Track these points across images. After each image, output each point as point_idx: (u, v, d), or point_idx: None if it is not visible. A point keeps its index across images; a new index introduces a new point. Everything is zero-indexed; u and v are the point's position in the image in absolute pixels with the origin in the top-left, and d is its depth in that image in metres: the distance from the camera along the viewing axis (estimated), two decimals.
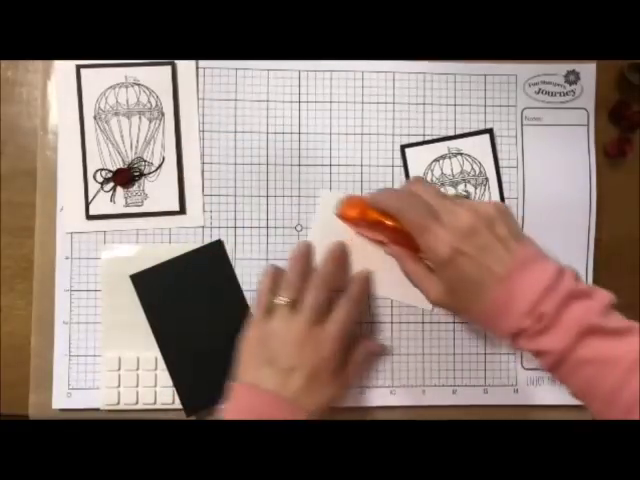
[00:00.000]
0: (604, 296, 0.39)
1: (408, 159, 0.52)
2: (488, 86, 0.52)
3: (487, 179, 0.52)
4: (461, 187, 0.51)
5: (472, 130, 0.52)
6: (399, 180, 0.51)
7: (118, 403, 0.49)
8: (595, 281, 0.52)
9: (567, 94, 0.52)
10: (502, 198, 0.52)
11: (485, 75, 0.52)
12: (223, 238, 0.51)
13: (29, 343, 0.49)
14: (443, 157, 0.52)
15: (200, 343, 0.49)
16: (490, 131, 0.52)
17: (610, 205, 0.52)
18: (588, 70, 0.52)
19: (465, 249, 0.41)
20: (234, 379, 0.45)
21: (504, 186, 0.52)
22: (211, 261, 0.50)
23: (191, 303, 0.49)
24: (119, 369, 0.49)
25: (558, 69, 0.52)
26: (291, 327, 0.45)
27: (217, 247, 0.50)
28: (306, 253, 0.49)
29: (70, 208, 0.50)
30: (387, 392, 0.51)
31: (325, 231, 0.50)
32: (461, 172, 0.52)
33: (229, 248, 0.50)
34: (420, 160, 0.52)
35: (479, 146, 0.52)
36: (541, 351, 0.39)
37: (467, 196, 0.51)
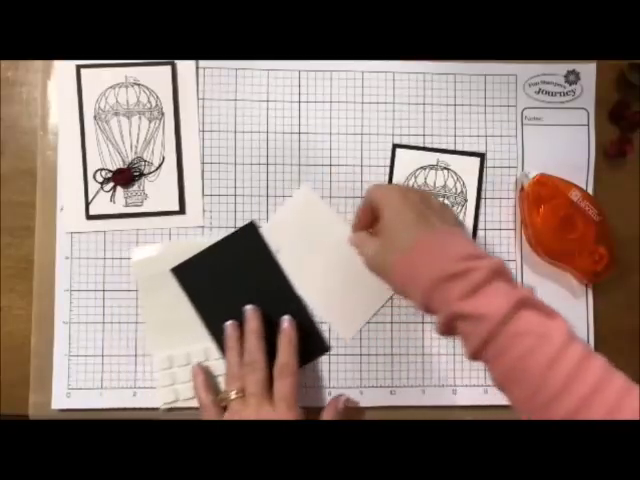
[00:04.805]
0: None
1: (396, 159, 0.52)
2: (488, 86, 0.52)
3: (466, 200, 0.52)
4: None
5: (466, 150, 0.52)
6: (394, 180, 0.52)
7: (176, 400, 0.49)
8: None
9: (567, 94, 0.52)
10: (476, 222, 0.51)
11: (485, 75, 0.52)
12: None
13: (29, 343, 0.49)
14: (430, 167, 0.52)
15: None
16: (482, 156, 0.52)
17: (610, 205, 0.52)
18: (588, 70, 0.52)
19: (411, 196, 0.43)
20: None
21: (504, 186, 0.52)
22: (246, 243, 0.50)
23: (233, 286, 0.50)
24: (171, 367, 0.49)
25: (558, 69, 0.52)
26: (245, 418, 0.44)
27: (250, 229, 0.50)
28: (237, 337, 0.48)
29: (70, 208, 0.50)
30: (387, 392, 0.51)
31: (285, 222, 0.51)
32: (443, 186, 0.52)
33: None
34: (407, 164, 0.52)
35: (467, 167, 0.52)
36: (477, 315, 0.36)
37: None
